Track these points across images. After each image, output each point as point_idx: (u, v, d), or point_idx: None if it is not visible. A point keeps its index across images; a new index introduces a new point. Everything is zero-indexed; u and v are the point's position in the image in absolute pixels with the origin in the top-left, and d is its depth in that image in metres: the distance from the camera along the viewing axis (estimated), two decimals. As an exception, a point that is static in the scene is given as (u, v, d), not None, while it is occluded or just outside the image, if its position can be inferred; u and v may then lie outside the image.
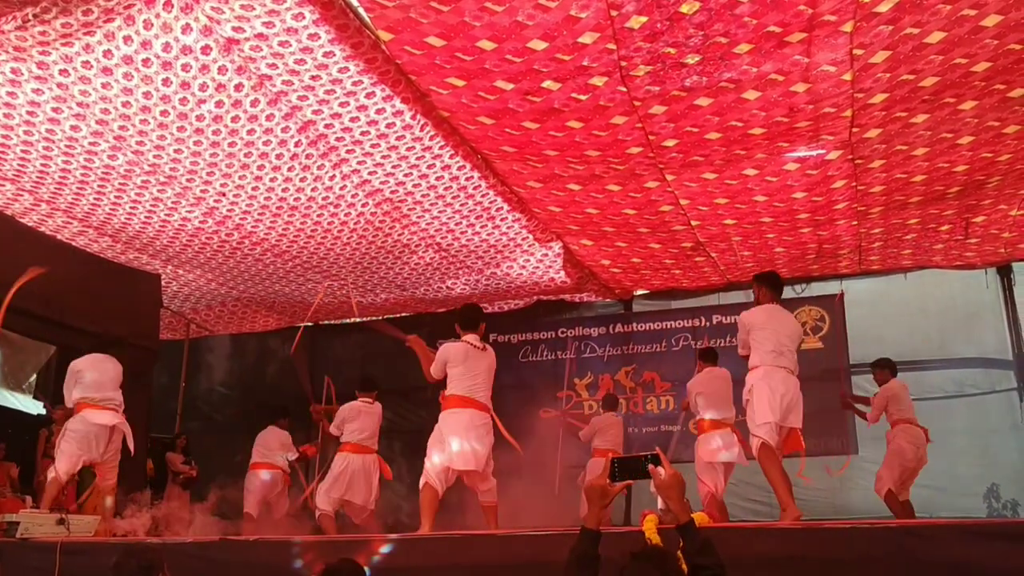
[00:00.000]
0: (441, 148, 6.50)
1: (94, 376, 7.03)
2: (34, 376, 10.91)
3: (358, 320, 8.52)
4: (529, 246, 8.62)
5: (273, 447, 9.03)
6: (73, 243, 8.26)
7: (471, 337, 5.97)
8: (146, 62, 5.34)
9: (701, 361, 7.70)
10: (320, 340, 12.00)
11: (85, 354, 7.19)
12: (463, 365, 5.88)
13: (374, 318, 11.00)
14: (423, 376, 6.10)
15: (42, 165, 6.68)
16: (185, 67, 5.40)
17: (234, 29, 5.02)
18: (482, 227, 8.05)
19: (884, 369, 8.10)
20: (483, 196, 7.39)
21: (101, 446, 6.95)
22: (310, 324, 11.91)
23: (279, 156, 6.51)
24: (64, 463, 6.82)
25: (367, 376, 8.19)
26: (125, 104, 5.80)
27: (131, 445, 7.16)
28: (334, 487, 7.53)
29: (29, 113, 5.97)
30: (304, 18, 4.89)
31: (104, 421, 6.94)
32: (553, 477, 10.53)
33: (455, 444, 5.70)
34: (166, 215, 7.55)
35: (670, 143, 6.08)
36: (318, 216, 7.56)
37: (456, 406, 5.82)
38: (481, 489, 5.97)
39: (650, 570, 2.49)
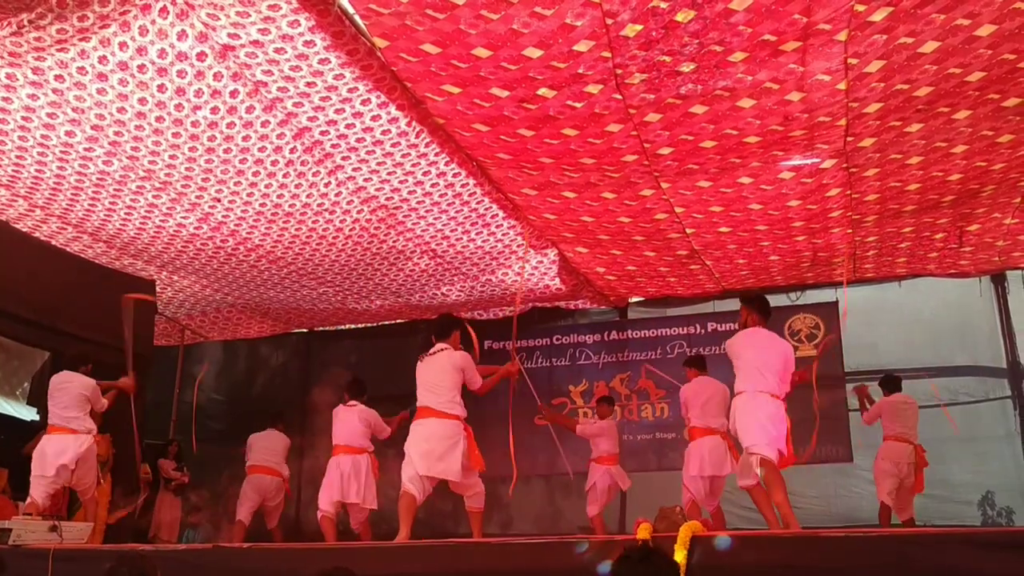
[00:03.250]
0: (436, 155, 6.50)
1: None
2: (27, 382, 10.86)
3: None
4: (524, 253, 8.62)
5: (277, 451, 9.03)
6: (67, 249, 8.24)
7: (439, 345, 6.22)
8: (141, 68, 5.33)
9: (694, 369, 7.75)
10: (315, 346, 11.99)
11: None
12: (418, 373, 6.20)
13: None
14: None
15: (36, 171, 6.67)
16: (180, 73, 5.39)
17: (230, 36, 5.01)
18: (477, 234, 8.05)
19: (885, 387, 8.22)
20: (478, 203, 7.39)
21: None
22: (305, 331, 11.91)
23: (274, 162, 6.51)
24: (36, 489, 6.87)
25: (356, 380, 8.26)
26: (120, 110, 5.79)
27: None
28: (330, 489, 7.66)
29: (24, 119, 5.96)
30: (300, 25, 4.88)
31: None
32: (547, 484, 10.54)
33: (415, 452, 5.94)
34: (161, 221, 7.54)
35: (665, 151, 6.09)
36: (313, 222, 7.55)
37: (416, 416, 6.13)
38: (466, 495, 6.03)
39: (640, 568, 2.46)
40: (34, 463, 6.92)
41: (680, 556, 3.82)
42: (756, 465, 5.59)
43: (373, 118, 5.92)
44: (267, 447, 9.00)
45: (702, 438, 7.27)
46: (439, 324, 6.46)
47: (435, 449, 5.89)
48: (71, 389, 7.02)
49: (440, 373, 6.08)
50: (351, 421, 7.87)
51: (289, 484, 9.23)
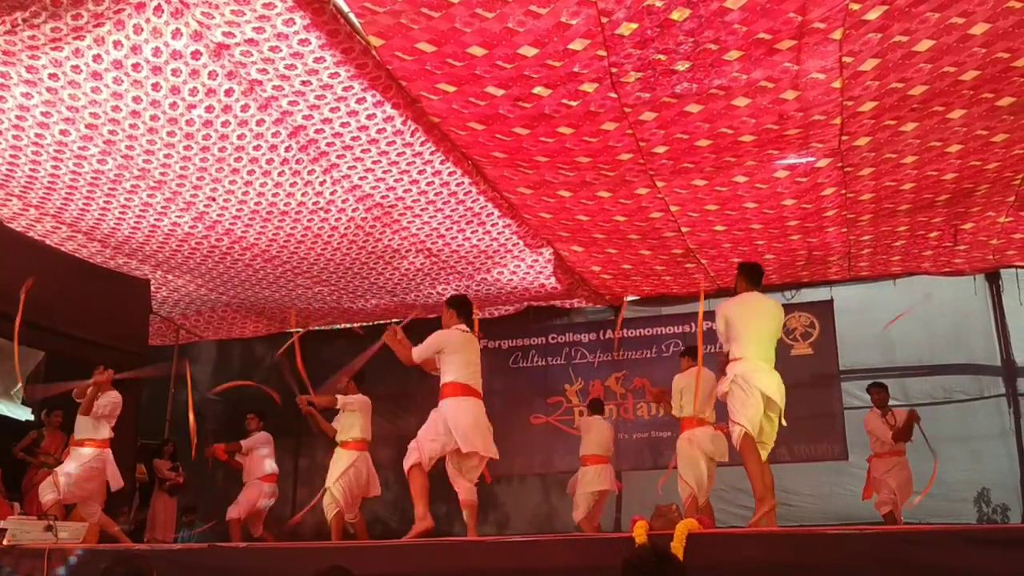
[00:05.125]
0: (432, 154, 6.50)
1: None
2: (22, 382, 10.84)
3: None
4: (520, 252, 8.62)
5: (270, 453, 8.97)
6: (62, 248, 8.22)
7: (464, 325, 6.00)
8: (136, 67, 5.32)
9: (687, 358, 7.67)
10: (310, 346, 11.95)
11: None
12: (462, 352, 5.87)
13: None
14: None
15: (31, 170, 6.65)
16: (175, 72, 5.38)
17: (224, 34, 5.01)
18: (472, 232, 8.04)
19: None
20: (473, 201, 7.38)
21: None
22: (300, 330, 11.87)
23: (269, 161, 6.50)
24: None
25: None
26: (115, 108, 5.78)
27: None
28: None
29: (18, 117, 5.95)
30: (295, 24, 4.88)
31: None
32: (543, 483, 10.55)
33: (461, 428, 5.69)
34: (156, 220, 7.53)
35: (660, 150, 6.09)
36: (308, 221, 7.55)
37: (461, 394, 5.81)
38: (465, 486, 5.96)
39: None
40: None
41: (677, 554, 3.82)
42: (738, 438, 5.57)
43: (368, 117, 5.91)
44: (271, 453, 8.96)
45: (696, 428, 7.21)
46: (469, 304, 6.29)
47: (485, 429, 5.80)
48: None
49: (478, 355, 6.00)
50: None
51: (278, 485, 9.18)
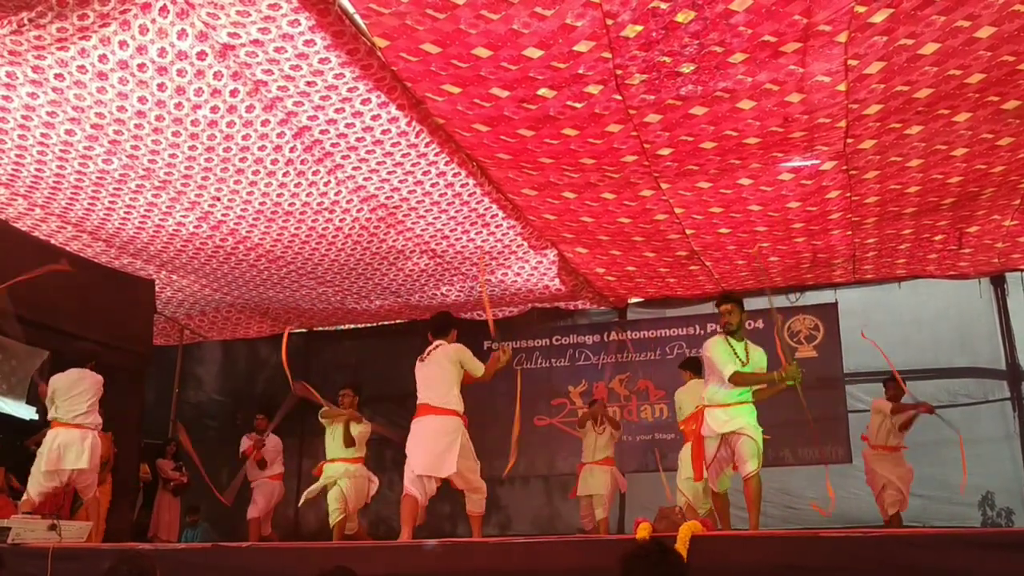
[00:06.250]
0: (436, 155, 6.50)
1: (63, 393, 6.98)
2: (27, 381, 10.86)
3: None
4: (524, 253, 8.62)
5: (279, 454, 9.06)
6: (67, 248, 8.23)
7: (437, 342, 6.16)
8: (141, 67, 5.33)
9: (688, 372, 7.69)
10: (312, 346, 11.98)
11: (72, 364, 7.18)
12: (419, 372, 6.08)
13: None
14: (414, 383, 6.14)
15: (36, 170, 6.66)
16: (180, 72, 5.39)
17: (230, 35, 5.01)
18: (476, 234, 8.04)
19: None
20: (478, 203, 7.39)
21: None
22: (304, 330, 11.89)
23: (274, 161, 6.51)
24: (33, 486, 6.80)
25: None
26: (120, 108, 5.79)
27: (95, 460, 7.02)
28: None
29: (24, 117, 5.95)
30: (300, 24, 4.88)
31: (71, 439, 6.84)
32: (546, 484, 10.54)
33: (414, 451, 5.86)
34: (160, 220, 7.53)
35: (665, 152, 6.09)
36: (312, 221, 7.55)
37: (417, 414, 6.01)
38: (468, 491, 5.98)
39: (660, 568, 2.41)
40: (37, 460, 6.93)
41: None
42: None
43: (373, 117, 5.92)
44: (280, 454, 9.07)
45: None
46: (436, 322, 6.38)
47: (434, 447, 5.80)
48: (90, 386, 7.03)
49: (437, 368, 6.00)
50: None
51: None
